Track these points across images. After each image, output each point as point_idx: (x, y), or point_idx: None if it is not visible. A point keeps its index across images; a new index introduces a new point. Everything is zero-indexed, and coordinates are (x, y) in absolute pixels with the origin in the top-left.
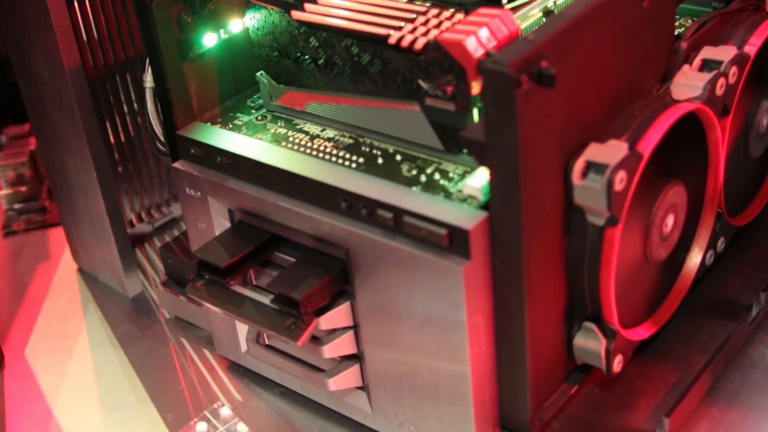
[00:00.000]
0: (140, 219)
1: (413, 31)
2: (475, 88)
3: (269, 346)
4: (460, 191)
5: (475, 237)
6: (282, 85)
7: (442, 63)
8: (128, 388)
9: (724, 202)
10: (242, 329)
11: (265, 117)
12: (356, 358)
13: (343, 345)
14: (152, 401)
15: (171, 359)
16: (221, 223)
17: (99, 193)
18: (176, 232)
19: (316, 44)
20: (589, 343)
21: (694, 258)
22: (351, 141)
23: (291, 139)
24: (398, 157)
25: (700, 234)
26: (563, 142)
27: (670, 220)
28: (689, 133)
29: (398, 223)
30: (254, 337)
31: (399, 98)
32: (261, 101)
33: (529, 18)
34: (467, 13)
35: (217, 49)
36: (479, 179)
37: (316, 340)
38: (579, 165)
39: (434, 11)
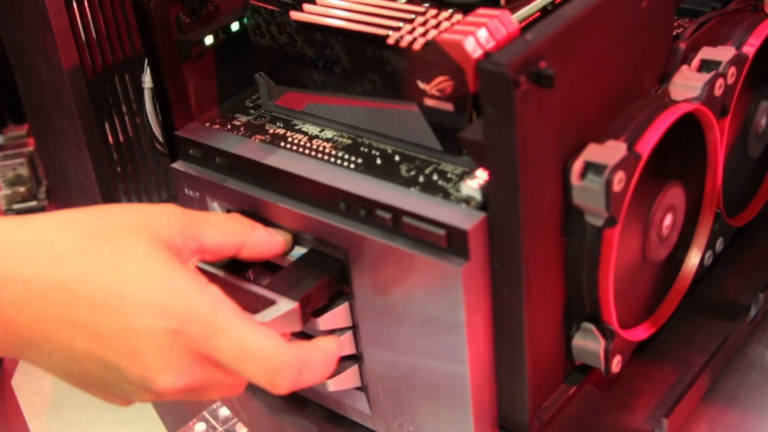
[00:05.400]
0: None
1: (412, 31)
2: (474, 88)
3: None
4: (458, 192)
5: (474, 237)
6: (280, 86)
7: (441, 63)
8: None
9: (722, 202)
10: None
11: (264, 117)
12: (355, 358)
13: (342, 345)
14: (151, 402)
15: None
16: None
17: (98, 193)
18: None
19: (315, 45)
20: (588, 343)
21: (693, 258)
22: (350, 141)
23: (289, 139)
24: (397, 158)
25: (698, 234)
26: (562, 143)
27: (668, 221)
28: (688, 133)
29: (397, 223)
30: None
31: (397, 99)
32: (260, 102)
33: (528, 18)
34: (466, 13)
35: (216, 50)
36: (478, 180)
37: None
38: (577, 165)
39: (433, 12)
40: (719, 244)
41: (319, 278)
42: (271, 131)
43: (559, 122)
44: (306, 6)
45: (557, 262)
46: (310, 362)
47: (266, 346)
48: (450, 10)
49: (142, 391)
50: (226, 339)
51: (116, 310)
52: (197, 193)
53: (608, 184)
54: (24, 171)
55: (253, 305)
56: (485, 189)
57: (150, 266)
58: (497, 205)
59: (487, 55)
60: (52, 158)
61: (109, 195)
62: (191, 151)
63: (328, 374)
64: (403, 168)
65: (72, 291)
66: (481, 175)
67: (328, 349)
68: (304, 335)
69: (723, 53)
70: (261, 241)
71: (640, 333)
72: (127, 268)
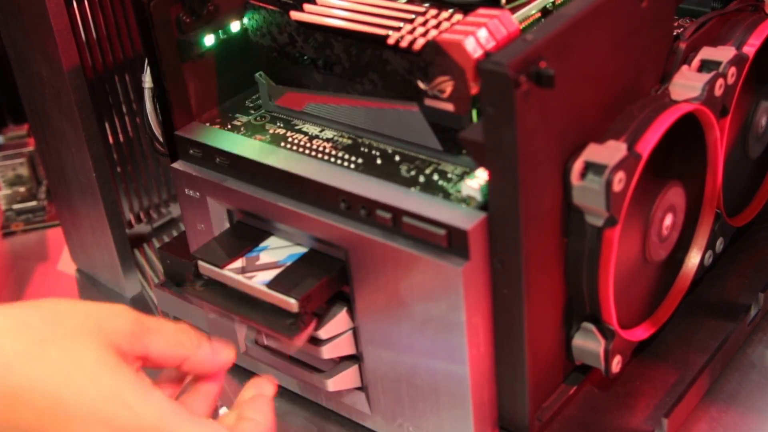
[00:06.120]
0: (139, 219)
1: (412, 31)
2: (474, 88)
3: (268, 347)
4: (459, 192)
5: (474, 237)
6: (281, 86)
7: (441, 64)
8: None
9: (722, 202)
10: (241, 330)
11: (264, 117)
12: (355, 358)
13: (342, 345)
14: None
15: None
16: (220, 224)
17: (98, 193)
18: (175, 233)
19: (315, 45)
20: (588, 343)
21: (693, 258)
22: (350, 141)
23: (290, 139)
24: (397, 158)
25: (698, 234)
26: (562, 143)
27: (668, 221)
28: (688, 133)
29: (397, 223)
30: (253, 337)
31: (398, 99)
32: (260, 102)
33: (529, 18)
34: (466, 13)
35: (216, 50)
36: (478, 180)
37: (316, 340)
38: (578, 165)
39: (433, 12)
40: (719, 244)
41: (320, 278)
42: (271, 131)
43: (560, 122)
44: (306, 6)
45: (557, 262)
46: None
47: None
48: (450, 10)
49: None
50: None
51: (63, 420)
52: (197, 193)
53: (608, 184)
54: (24, 171)
55: None
56: (485, 189)
57: (97, 375)
58: (497, 205)
59: (487, 55)
60: (52, 158)
61: (109, 195)
62: (191, 151)
63: None
64: (403, 168)
65: (19, 398)
66: (481, 175)
67: (265, 424)
68: None
69: (723, 53)
70: (204, 359)
71: (640, 333)
72: (74, 377)
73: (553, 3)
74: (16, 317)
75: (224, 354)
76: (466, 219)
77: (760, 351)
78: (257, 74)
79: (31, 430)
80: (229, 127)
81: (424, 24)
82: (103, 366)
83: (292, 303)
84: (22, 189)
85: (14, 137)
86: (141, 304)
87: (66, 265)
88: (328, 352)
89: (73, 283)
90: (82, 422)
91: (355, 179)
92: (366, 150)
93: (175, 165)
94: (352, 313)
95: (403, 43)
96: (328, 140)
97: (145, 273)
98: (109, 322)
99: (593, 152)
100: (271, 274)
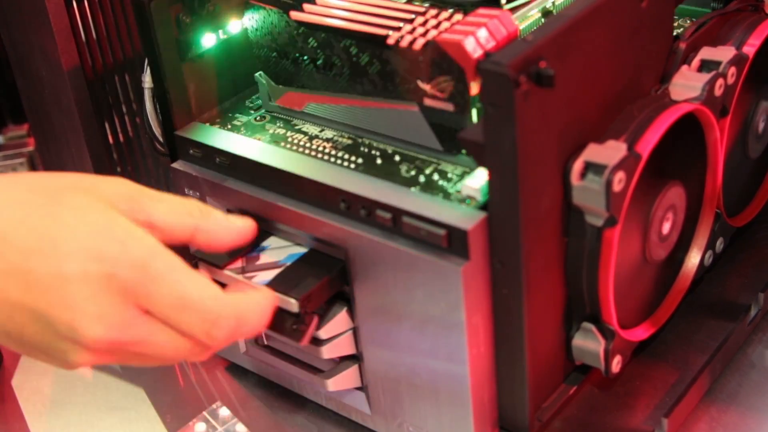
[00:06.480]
0: None
1: (412, 31)
2: (474, 88)
3: (268, 347)
4: (458, 192)
5: (474, 237)
6: (281, 86)
7: (441, 63)
8: (127, 388)
9: (722, 202)
10: None
11: (264, 117)
12: (355, 358)
13: (342, 345)
14: (151, 402)
15: None
16: None
17: None
18: None
19: (315, 45)
20: (588, 343)
21: (693, 258)
22: (350, 141)
23: (290, 139)
24: (397, 158)
25: (698, 234)
26: (562, 143)
27: (668, 221)
28: (688, 133)
29: (397, 223)
30: (253, 338)
31: (398, 99)
32: (260, 102)
33: (528, 18)
34: (466, 13)
35: (216, 50)
36: (478, 180)
37: (316, 340)
38: (578, 165)
39: (433, 12)
40: (719, 244)
41: (320, 278)
42: (271, 131)
43: (560, 122)
44: (306, 6)
45: (557, 262)
46: (248, 315)
47: (205, 297)
48: (450, 10)
49: (74, 347)
50: (163, 286)
51: (49, 255)
52: (197, 193)
53: (608, 184)
54: (24, 171)
55: None
56: (485, 189)
57: (86, 214)
58: (497, 205)
59: (487, 55)
60: (52, 158)
61: None
62: (191, 151)
63: (263, 327)
64: (403, 168)
65: (7, 240)
66: (481, 175)
67: (264, 301)
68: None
69: (723, 53)
70: (217, 226)
71: (640, 333)
72: (62, 215)
73: (553, 3)
74: (15, 177)
75: (239, 221)
76: (466, 219)
77: (760, 351)
78: (257, 74)
79: (16, 272)
80: (229, 126)
81: (424, 24)
82: (93, 208)
83: (292, 303)
84: None
85: (14, 137)
86: None
87: None
88: (328, 352)
89: None
90: (68, 256)
91: (354, 179)
92: (366, 150)
93: (175, 165)
94: (352, 313)
95: (403, 43)
96: (328, 140)
97: None
98: (106, 184)
99: (593, 152)
100: (271, 274)
